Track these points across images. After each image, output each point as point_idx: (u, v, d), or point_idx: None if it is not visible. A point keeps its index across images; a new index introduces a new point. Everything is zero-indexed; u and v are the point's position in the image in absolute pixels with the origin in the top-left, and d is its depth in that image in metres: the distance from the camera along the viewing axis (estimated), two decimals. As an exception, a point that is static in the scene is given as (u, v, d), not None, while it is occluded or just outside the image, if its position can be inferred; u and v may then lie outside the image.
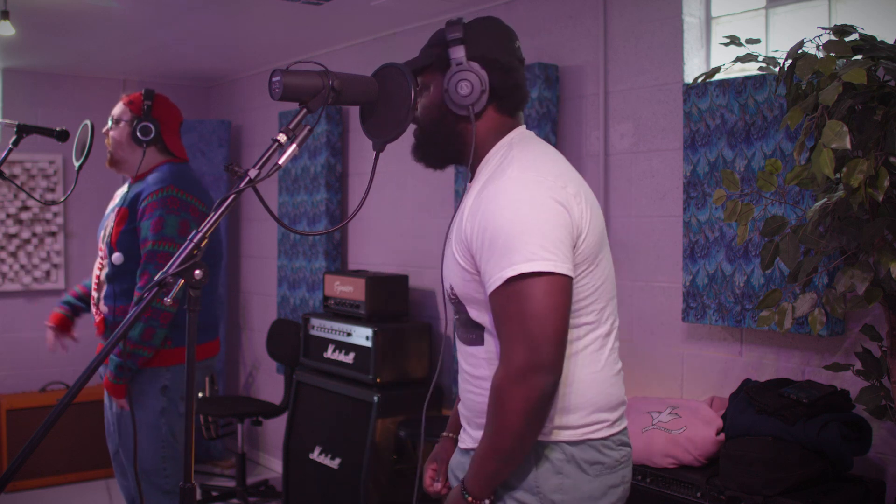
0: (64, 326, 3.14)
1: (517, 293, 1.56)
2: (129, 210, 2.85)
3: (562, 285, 1.57)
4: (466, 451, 1.80)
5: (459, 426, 1.94)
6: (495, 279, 1.58)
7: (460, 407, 1.85)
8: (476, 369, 1.74)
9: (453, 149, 1.76)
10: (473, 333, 1.74)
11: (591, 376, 1.69)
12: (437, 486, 1.93)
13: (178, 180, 2.86)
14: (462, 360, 1.80)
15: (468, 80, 1.68)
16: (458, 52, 1.69)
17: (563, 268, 1.57)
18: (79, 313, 3.19)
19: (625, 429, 1.76)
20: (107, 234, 2.89)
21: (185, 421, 1.46)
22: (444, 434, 2.00)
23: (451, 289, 1.73)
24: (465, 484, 1.68)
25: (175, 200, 2.80)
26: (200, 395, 5.38)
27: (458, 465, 1.84)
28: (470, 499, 1.65)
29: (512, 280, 1.56)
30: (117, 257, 2.83)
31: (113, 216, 2.91)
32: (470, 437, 1.79)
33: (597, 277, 1.69)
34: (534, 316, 1.55)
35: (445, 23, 1.74)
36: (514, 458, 1.63)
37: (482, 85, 1.69)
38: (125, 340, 2.73)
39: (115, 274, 2.86)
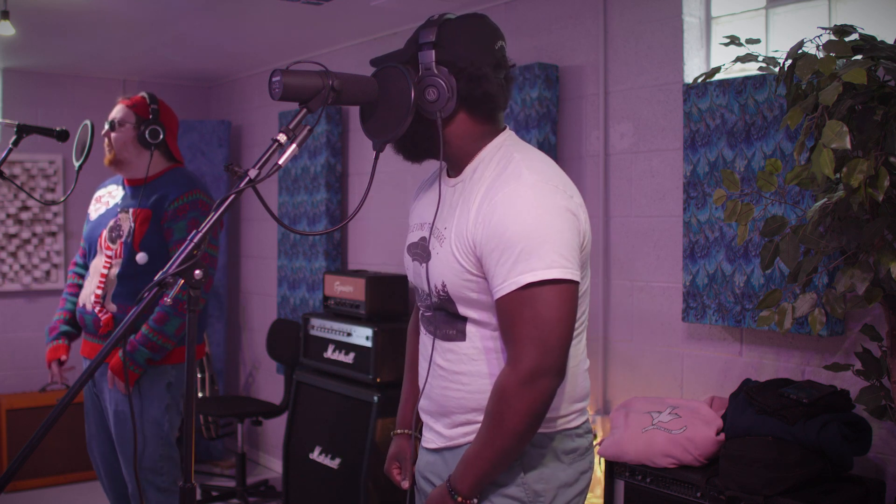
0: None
1: (533, 298, 1.56)
2: (154, 212, 2.94)
3: (573, 292, 1.60)
4: (437, 450, 1.78)
5: (411, 422, 1.94)
6: (510, 283, 1.58)
7: (426, 404, 1.81)
8: (455, 365, 1.72)
9: (424, 146, 1.73)
10: (454, 329, 1.72)
11: (571, 371, 1.73)
12: (406, 483, 1.92)
13: (200, 185, 3.02)
14: (437, 356, 1.77)
15: (435, 87, 1.66)
16: (428, 57, 1.66)
17: (575, 275, 1.59)
18: (73, 340, 3.17)
19: (588, 418, 1.83)
20: (125, 233, 2.94)
21: (185, 421, 1.47)
22: (398, 431, 1.99)
23: (443, 286, 1.69)
24: (453, 484, 1.66)
25: (205, 204, 2.97)
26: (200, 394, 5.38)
27: (428, 467, 1.81)
28: (459, 499, 1.64)
29: (529, 285, 1.56)
30: (142, 257, 2.92)
31: (130, 217, 2.96)
32: (440, 435, 1.77)
33: (587, 280, 1.74)
34: (548, 321, 1.57)
35: (426, 20, 1.71)
36: (511, 458, 1.64)
37: (449, 92, 1.66)
38: (159, 333, 2.83)
39: (136, 273, 2.92)
